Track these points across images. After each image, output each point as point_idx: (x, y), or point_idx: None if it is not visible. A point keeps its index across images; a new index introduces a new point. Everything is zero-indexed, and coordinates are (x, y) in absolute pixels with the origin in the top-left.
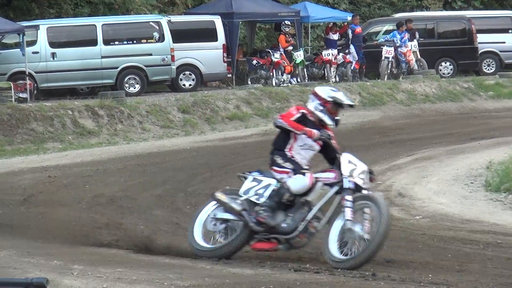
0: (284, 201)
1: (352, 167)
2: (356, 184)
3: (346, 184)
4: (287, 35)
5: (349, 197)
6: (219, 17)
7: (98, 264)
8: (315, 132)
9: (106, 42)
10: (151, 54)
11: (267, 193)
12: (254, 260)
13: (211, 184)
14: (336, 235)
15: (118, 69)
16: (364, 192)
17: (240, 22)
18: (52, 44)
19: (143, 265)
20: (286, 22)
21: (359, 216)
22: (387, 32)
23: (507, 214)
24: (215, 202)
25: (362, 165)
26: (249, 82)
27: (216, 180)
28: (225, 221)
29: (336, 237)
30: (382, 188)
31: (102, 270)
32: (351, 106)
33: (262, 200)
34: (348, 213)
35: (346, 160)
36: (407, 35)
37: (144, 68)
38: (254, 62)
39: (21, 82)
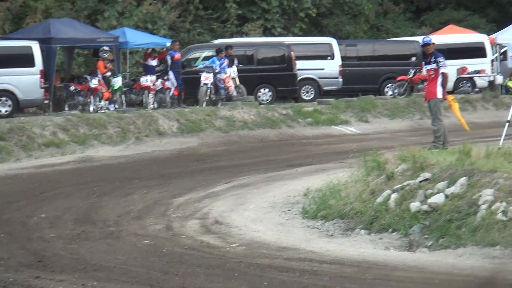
0: None
1: None
2: None
3: None
4: (105, 61)
5: None
6: (36, 42)
7: None
8: None
9: None
10: None
11: None
12: None
13: (26, 212)
14: None
15: None
16: None
17: (58, 47)
18: None
19: None
20: (104, 47)
21: None
22: (206, 58)
23: (324, 241)
24: None
25: None
26: (67, 108)
27: (31, 208)
28: None
29: None
30: (199, 215)
31: None
32: None
33: None
34: None
35: None
36: (226, 61)
37: None
38: (72, 88)
39: None
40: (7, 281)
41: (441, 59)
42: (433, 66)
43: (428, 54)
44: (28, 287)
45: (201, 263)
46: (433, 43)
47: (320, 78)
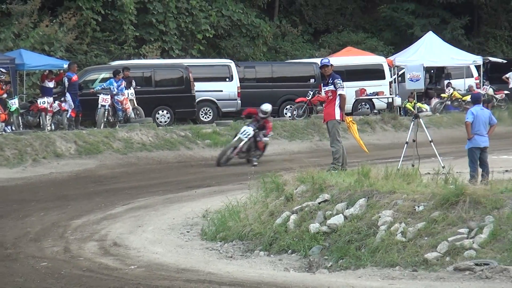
0: None
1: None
2: None
3: None
4: (1, 83)
5: None
6: None
7: None
8: None
9: None
10: None
11: None
12: None
13: None
14: None
15: None
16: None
17: None
18: None
19: None
20: (0, 69)
21: None
22: (103, 80)
23: (223, 263)
24: None
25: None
26: None
27: None
28: None
29: None
30: (97, 237)
31: None
32: None
33: None
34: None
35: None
36: (124, 83)
37: None
38: None
39: None
40: None
41: (338, 80)
42: (331, 87)
43: (326, 75)
44: None
45: (100, 285)
46: (331, 65)
47: (218, 99)
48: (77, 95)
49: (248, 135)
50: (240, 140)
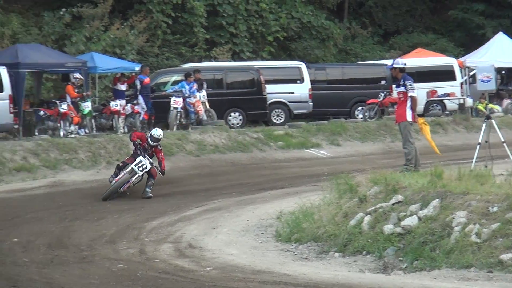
0: None
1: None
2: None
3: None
4: (74, 85)
5: None
6: (4, 67)
7: None
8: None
9: None
10: None
11: None
12: None
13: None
14: None
15: None
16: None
17: (27, 73)
18: None
19: None
20: (75, 74)
21: None
22: (175, 82)
23: (298, 264)
24: None
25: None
26: (37, 133)
27: (4, 233)
28: None
29: None
30: (172, 239)
31: None
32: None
33: None
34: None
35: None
36: (195, 86)
37: None
38: (41, 113)
39: None
40: None
41: (409, 82)
42: (402, 89)
43: (398, 77)
44: None
45: (175, 287)
46: (402, 68)
47: (290, 101)
48: (149, 97)
49: (144, 168)
50: (133, 173)
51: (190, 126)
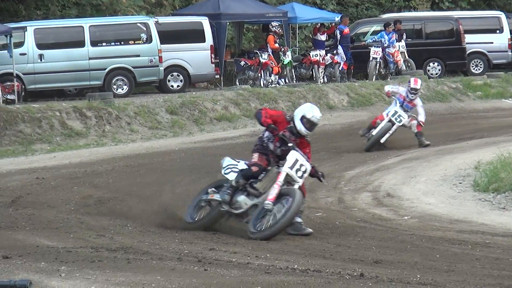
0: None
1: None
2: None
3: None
4: (275, 36)
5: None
6: (206, 18)
7: (86, 266)
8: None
9: (94, 43)
10: (138, 55)
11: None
12: (242, 261)
13: (200, 186)
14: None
15: (106, 70)
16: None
17: (228, 23)
18: (40, 46)
19: (130, 267)
20: (273, 23)
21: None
22: (374, 32)
23: (495, 214)
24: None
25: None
26: (237, 83)
27: (204, 181)
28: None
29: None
30: (370, 188)
31: (90, 272)
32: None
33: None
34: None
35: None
36: (394, 36)
37: (132, 69)
38: (242, 63)
39: (8, 83)
40: (182, 253)
41: None
42: None
43: None
44: (202, 259)
45: (374, 235)
46: None
47: (489, 51)
48: (348, 47)
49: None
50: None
51: (389, 76)
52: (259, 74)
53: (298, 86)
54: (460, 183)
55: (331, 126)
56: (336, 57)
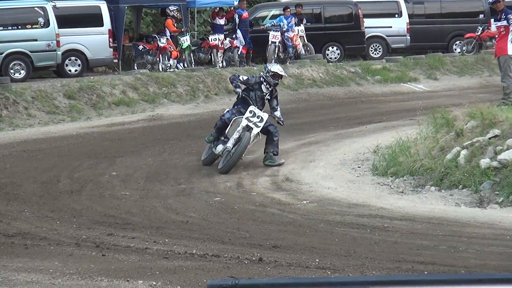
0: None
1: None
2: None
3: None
4: (173, 20)
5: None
6: (104, 2)
7: None
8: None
9: None
10: (36, 40)
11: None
12: (140, 246)
13: (98, 170)
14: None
15: (3, 55)
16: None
17: (126, 7)
18: None
19: (28, 252)
20: (171, 7)
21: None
22: (274, 16)
23: (394, 198)
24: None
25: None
26: (136, 68)
27: (103, 166)
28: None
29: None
30: (269, 173)
31: None
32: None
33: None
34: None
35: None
36: (293, 20)
37: (29, 53)
38: (140, 47)
39: None
40: (80, 238)
41: (511, 15)
42: (504, 23)
43: (498, 11)
44: (100, 244)
45: (272, 220)
46: (503, 0)
47: (388, 35)
48: (247, 32)
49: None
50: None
51: (288, 60)
52: (158, 59)
53: (197, 71)
54: (359, 167)
55: None
56: (235, 41)
